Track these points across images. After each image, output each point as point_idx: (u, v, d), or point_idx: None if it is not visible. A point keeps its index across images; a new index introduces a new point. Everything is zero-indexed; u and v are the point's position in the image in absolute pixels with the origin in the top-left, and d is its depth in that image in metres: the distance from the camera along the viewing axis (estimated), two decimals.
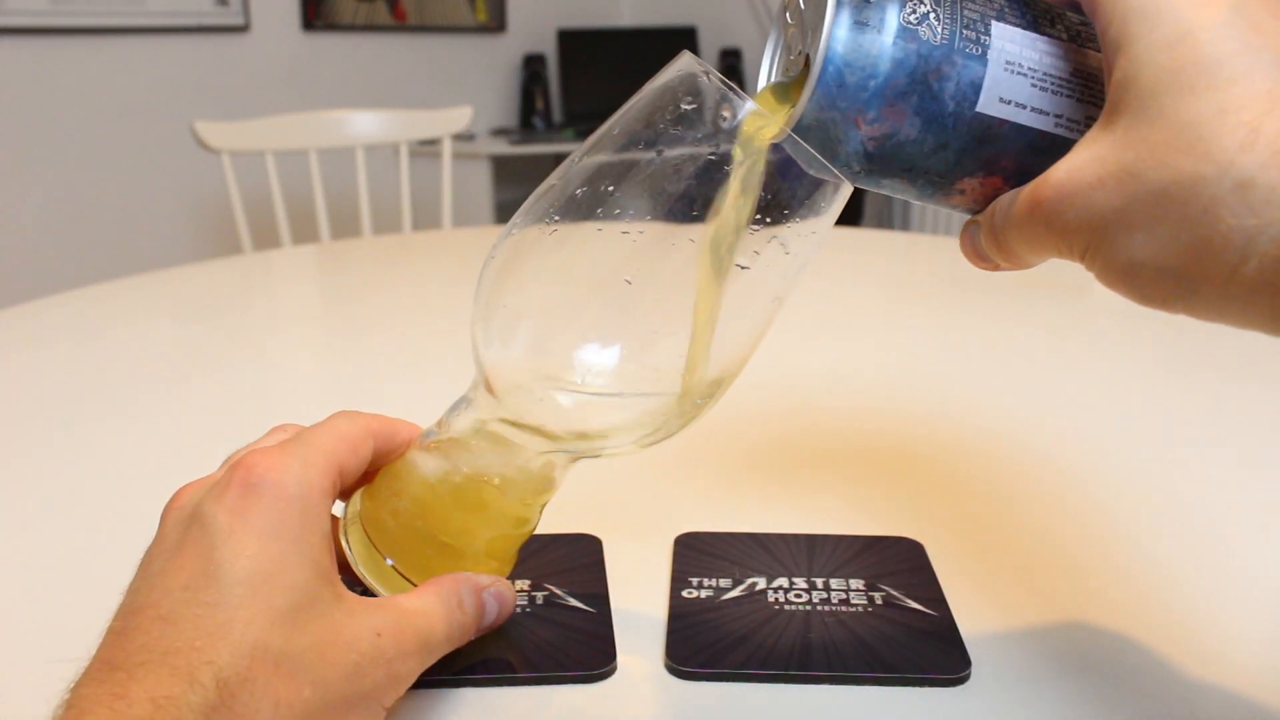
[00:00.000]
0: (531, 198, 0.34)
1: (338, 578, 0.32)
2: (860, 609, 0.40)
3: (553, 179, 0.34)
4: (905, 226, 3.01)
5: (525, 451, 0.35)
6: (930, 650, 0.37)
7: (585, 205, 0.32)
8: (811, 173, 0.31)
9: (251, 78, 2.54)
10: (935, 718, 0.35)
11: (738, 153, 0.31)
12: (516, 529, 0.37)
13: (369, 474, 0.37)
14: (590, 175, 0.33)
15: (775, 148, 0.31)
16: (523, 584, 0.41)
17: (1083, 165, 0.27)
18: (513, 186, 3.01)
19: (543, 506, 0.38)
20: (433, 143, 1.99)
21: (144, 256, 2.37)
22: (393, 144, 1.70)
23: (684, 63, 0.32)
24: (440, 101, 2.57)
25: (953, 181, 0.31)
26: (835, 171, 0.31)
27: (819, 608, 0.40)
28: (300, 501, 0.31)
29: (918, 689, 0.36)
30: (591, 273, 0.34)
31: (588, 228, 0.32)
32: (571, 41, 3.21)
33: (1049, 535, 0.47)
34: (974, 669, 0.37)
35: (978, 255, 0.32)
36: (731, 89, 0.31)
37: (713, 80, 0.31)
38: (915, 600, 0.41)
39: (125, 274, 1.02)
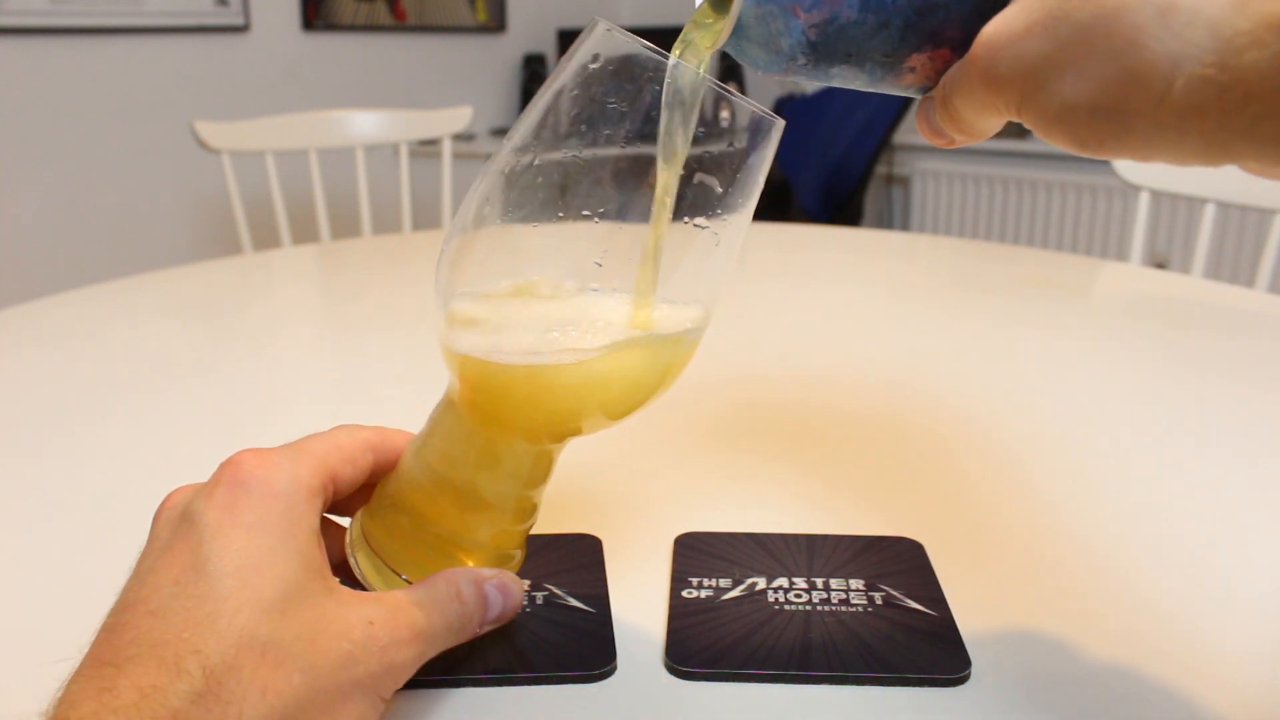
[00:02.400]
0: (482, 187, 0.34)
1: (329, 572, 0.32)
2: (860, 609, 0.40)
3: (499, 166, 0.34)
4: (905, 226, 3.00)
5: (509, 438, 0.36)
6: (930, 650, 0.37)
7: (546, 193, 0.33)
8: (759, 71, 0.31)
9: (251, 78, 2.54)
10: (935, 718, 0.35)
11: (671, 74, 0.31)
12: (516, 523, 0.37)
13: (369, 487, 0.38)
14: (546, 166, 0.33)
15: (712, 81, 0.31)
16: (523, 584, 0.41)
17: (1011, 17, 0.28)
18: None
19: (540, 494, 0.38)
20: (433, 143, 1.99)
21: (144, 256, 2.37)
22: (393, 144, 1.70)
23: (599, 32, 0.32)
24: (440, 101, 2.57)
25: (901, 60, 0.31)
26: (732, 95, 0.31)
27: (819, 608, 0.40)
28: (287, 498, 0.32)
29: (918, 689, 0.36)
30: (561, 256, 0.34)
31: (547, 211, 0.33)
32: (571, 41, 3.21)
33: (1049, 535, 0.47)
34: (974, 669, 0.37)
35: (932, 131, 0.32)
36: (646, 45, 0.31)
37: (623, 37, 0.31)
38: (915, 600, 0.41)
39: (125, 274, 1.02)
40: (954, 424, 0.61)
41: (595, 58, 0.32)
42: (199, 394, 0.67)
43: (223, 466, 0.32)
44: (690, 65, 0.31)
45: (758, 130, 0.32)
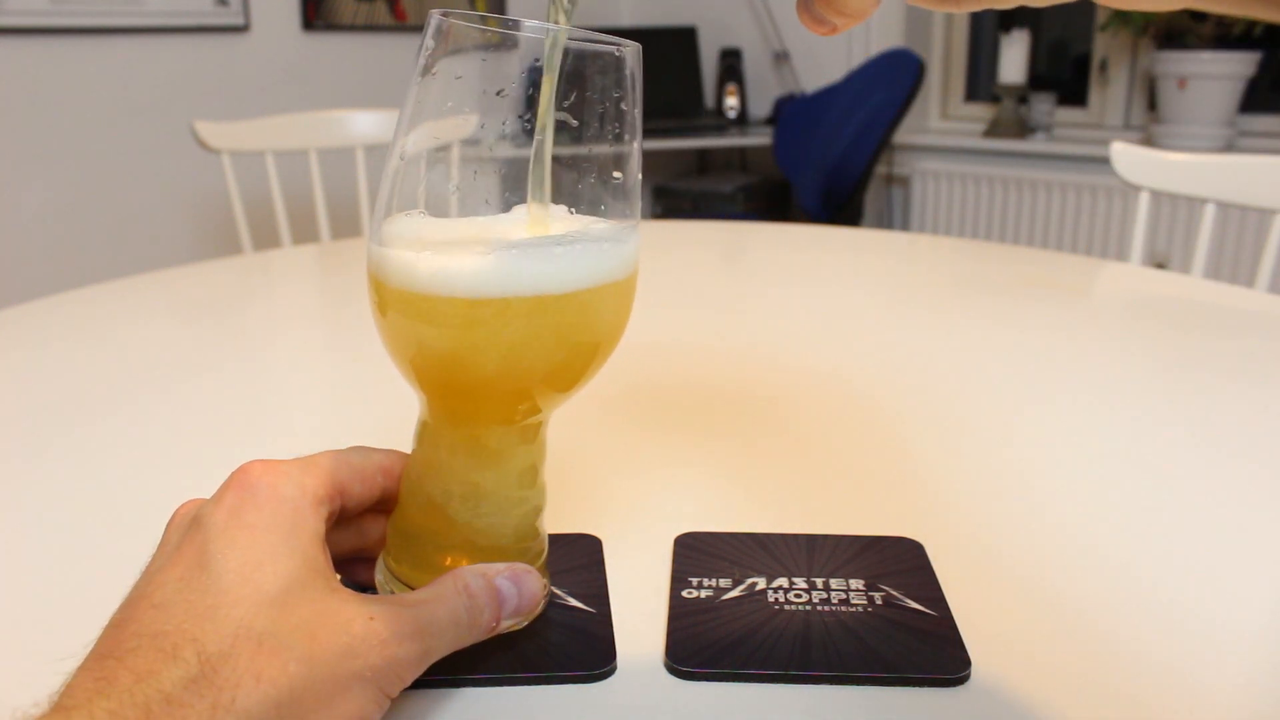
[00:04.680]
0: (385, 203, 0.35)
1: (332, 573, 0.33)
2: (860, 609, 0.40)
3: (397, 174, 0.35)
4: (905, 226, 3.00)
5: (484, 428, 0.36)
6: (930, 650, 0.37)
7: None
8: None
9: (251, 78, 2.54)
10: (935, 718, 0.35)
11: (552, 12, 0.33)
12: (525, 520, 0.38)
13: (384, 512, 0.38)
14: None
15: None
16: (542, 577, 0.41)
17: None
18: None
19: (538, 483, 0.38)
20: None
21: (144, 256, 2.37)
22: None
23: (437, 23, 0.33)
24: None
25: None
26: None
27: (819, 608, 0.40)
28: (293, 503, 0.33)
29: (918, 689, 0.36)
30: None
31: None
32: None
33: (1049, 535, 0.47)
34: (974, 669, 0.37)
35: (814, 20, 0.33)
36: (496, 17, 0.33)
37: (449, 18, 0.33)
38: (915, 600, 0.41)
39: (125, 274, 1.02)
40: (954, 424, 0.61)
41: (429, 47, 0.33)
42: (199, 394, 0.67)
43: (232, 475, 0.34)
44: (548, 24, 0.33)
45: (617, 64, 0.34)
